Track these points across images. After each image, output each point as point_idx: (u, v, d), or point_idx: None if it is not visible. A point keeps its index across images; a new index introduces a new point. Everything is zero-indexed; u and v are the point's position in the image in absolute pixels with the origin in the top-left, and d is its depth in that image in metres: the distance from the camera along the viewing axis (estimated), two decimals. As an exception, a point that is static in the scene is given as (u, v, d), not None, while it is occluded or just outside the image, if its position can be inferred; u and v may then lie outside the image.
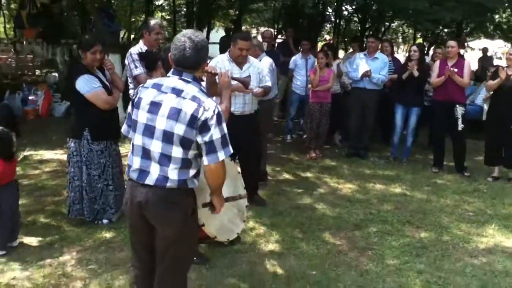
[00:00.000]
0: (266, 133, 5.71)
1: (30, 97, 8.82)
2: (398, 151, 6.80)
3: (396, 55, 9.66)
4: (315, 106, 6.77)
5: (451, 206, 5.06)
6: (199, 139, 2.32)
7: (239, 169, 3.12)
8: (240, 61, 4.40)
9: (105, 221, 4.24)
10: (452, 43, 6.11)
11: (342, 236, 4.22)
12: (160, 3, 18.69)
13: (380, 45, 7.07)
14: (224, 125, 2.37)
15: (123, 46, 9.67)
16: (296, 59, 7.53)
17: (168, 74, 2.46)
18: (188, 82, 2.39)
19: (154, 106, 2.36)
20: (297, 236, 4.16)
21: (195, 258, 3.54)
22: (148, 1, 16.48)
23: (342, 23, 15.24)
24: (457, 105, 5.99)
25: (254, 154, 4.73)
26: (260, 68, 4.58)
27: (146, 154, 2.39)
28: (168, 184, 2.36)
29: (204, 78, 3.48)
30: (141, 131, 2.39)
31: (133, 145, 2.45)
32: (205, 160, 2.35)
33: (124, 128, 2.54)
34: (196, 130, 2.30)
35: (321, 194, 5.33)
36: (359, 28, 14.27)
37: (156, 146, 2.35)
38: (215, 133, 2.31)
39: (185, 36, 2.38)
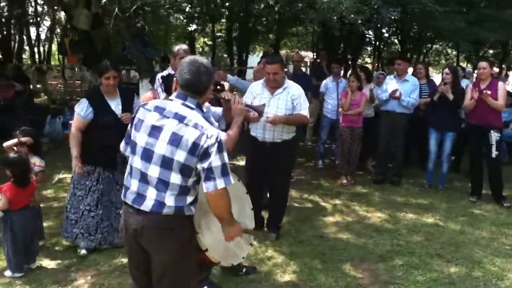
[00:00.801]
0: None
1: (70, 122, 9.09)
2: (433, 178, 6.48)
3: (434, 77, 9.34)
4: (346, 130, 6.61)
5: (486, 238, 4.72)
6: (198, 165, 2.27)
7: (245, 190, 3.00)
8: (271, 86, 4.25)
9: (83, 251, 4.06)
10: (483, 64, 5.82)
11: (364, 268, 4.00)
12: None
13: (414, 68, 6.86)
14: (225, 154, 2.31)
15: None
16: (327, 83, 7.41)
17: (170, 97, 2.43)
18: (192, 108, 2.36)
19: (155, 130, 2.33)
20: (316, 267, 3.98)
21: (206, 287, 3.50)
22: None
23: (381, 45, 14.98)
24: (491, 130, 5.66)
25: (278, 184, 4.57)
26: (296, 95, 4.27)
27: (143, 178, 2.35)
28: (165, 211, 2.30)
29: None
30: (140, 154, 2.36)
31: (131, 167, 2.42)
32: (204, 187, 2.28)
33: (122, 145, 2.52)
34: (197, 158, 2.26)
35: (348, 223, 5.12)
36: (399, 50, 13.98)
37: (153, 171, 2.31)
38: (214, 160, 2.25)
39: (189, 61, 2.39)
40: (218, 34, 19.24)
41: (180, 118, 2.30)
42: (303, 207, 5.63)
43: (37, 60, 19.20)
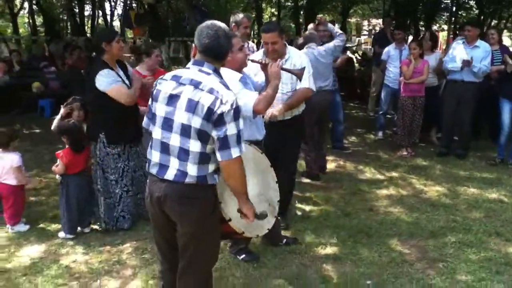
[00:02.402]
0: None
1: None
2: (506, 152, 5.97)
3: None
4: (408, 100, 6.25)
5: (556, 218, 4.29)
6: (213, 133, 2.21)
7: (269, 163, 2.90)
8: (272, 57, 3.60)
9: (126, 225, 4.01)
10: None
11: (412, 245, 3.80)
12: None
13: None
14: (241, 121, 2.24)
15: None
16: (389, 50, 7.04)
17: (187, 65, 2.39)
18: (208, 74, 2.30)
19: (173, 99, 2.30)
20: (360, 241, 3.84)
21: (244, 255, 3.50)
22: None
23: (458, 11, 13.91)
24: None
25: (284, 168, 3.76)
26: (298, 65, 3.70)
27: (165, 148, 2.33)
28: (187, 180, 2.29)
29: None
30: (160, 125, 2.35)
31: (152, 138, 2.41)
32: (218, 156, 2.24)
33: (144, 121, 2.51)
34: (212, 124, 2.20)
35: (402, 196, 4.88)
36: (477, 15, 12.90)
37: (175, 140, 2.29)
38: (230, 128, 2.19)
39: (206, 25, 2.33)
40: (285, 3, 18.92)
41: (196, 84, 2.25)
42: (355, 179, 5.45)
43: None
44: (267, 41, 3.67)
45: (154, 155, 2.38)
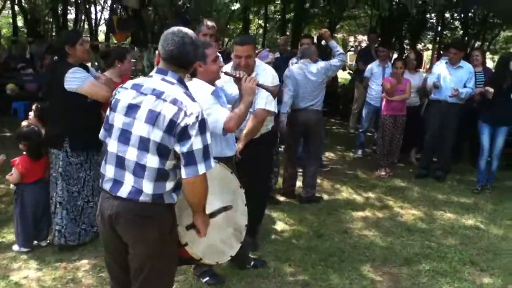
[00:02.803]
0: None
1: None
2: (486, 178, 5.87)
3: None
4: (388, 119, 6.15)
5: (533, 248, 4.19)
6: (177, 148, 2.04)
7: (238, 184, 2.71)
8: (244, 72, 3.13)
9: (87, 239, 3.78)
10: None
11: (385, 272, 3.65)
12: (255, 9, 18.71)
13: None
14: (207, 135, 2.07)
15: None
16: (373, 67, 6.95)
17: (150, 73, 2.21)
18: (172, 83, 2.14)
19: (132, 109, 2.12)
20: (332, 266, 3.67)
21: (208, 278, 3.31)
22: (244, 9, 16.59)
23: (443, 30, 14.01)
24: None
25: (256, 184, 3.48)
26: (273, 81, 3.44)
27: (120, 162, 2.15)
28: (142, 198, 2.10)
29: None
30: (116, 137, 2.16)
31: (107, 152, 2.22)
32: (183, 173, 2.05)
33: (101, 133, 2.31)
34: (174, 138, 2.03)
35: (378, 219, 4.74)
36: (462, 36, 13.00)
37: (131, 154, 2.11)
38: (195, 143, 2.02)
39: (172, 31, 2.16)
40: (272, 16, 18.88)
41: (158, 94, 2.08)
42: (331, 199, 5.29)
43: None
44: (241, 54, 3.37)
45: (109, 170, 2.19)
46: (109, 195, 2.18)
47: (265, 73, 3.50)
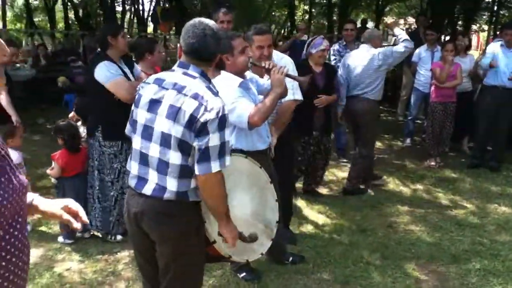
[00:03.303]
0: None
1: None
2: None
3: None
4: (438, 106, 5.86)
5: None
6: (194, 143, 1.97)
7: (268, 179, 2.61)
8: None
9: (119, 237, 3.79)
10: None
11: (431, 270, 3.46)
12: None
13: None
14: (227, 132, 2.00)
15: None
16: (421, 52, 6.63)
17: (173, 68, 2.15)
18: (194, 77, 2.07)
19: (154, 104, 2.07)
20: (374, 263, 3.52)
21: (244, 274, 3.26)
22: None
23: (500, 10, 13.17)
24: None
25: (282, 177, 3.25)
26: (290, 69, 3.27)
27: (144, 159, 2.12)
28: (166, 196, 2.06)
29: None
30: (140, 133, 2.13)
31: (132, 148, 2.20)
32: (195, 169, 1.99)
33: (127, 128, 2.28)
34: (194, 133, 1.96)
35: (425, 213, 4.52)
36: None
37: (154, 151, 2.07)
38: (212, 139, 1.95)
39: (193, 23, 2.08)
40: (319, 0, 18.49)
41: (180, 89, 2.02)
42: (376, 190, 5.09)
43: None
44: (263, 44, 3.22)
45: (133, 167, 2.17)
46: (135, 192, 2.15)
47: (283, 62, 3.37)
